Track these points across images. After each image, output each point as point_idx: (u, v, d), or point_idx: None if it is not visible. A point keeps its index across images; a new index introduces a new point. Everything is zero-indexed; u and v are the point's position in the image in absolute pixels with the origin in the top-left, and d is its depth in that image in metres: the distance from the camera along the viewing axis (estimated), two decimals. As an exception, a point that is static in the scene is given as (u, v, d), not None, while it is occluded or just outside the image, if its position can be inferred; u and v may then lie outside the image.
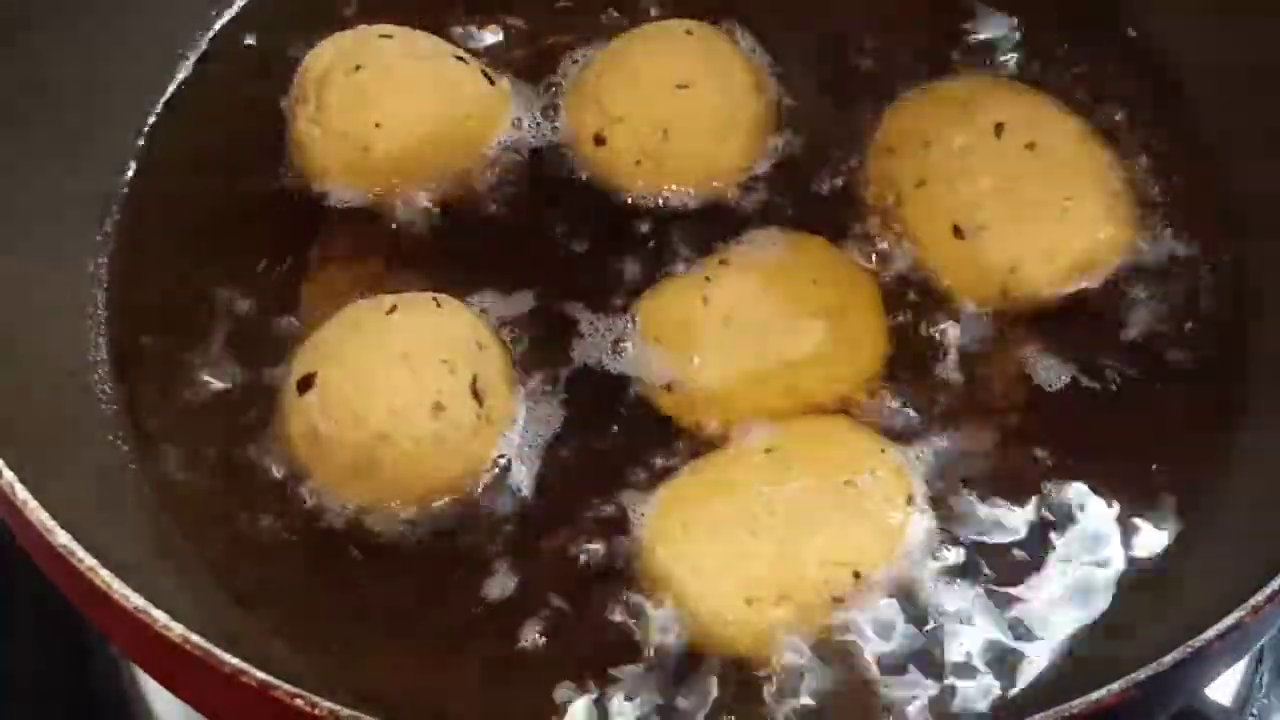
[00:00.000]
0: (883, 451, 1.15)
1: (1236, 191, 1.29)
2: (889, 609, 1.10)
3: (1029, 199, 1.24)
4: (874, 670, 1.08)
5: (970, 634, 1.10)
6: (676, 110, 1.26)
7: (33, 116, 1.23)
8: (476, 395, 1.15)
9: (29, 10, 1.24)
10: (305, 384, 1.14)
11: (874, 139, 1.30)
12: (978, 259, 1.23)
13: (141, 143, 1.33)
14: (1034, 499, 1.16)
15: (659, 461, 1.16)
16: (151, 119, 1.34)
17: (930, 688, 1.08)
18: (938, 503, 1.14)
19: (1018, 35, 1.37)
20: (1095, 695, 0.95)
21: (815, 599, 1.09)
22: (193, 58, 1.37)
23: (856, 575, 1.10)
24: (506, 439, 1.17)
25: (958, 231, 1.24)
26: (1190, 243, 1.26)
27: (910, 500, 1.14)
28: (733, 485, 1.13)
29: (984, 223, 1.24)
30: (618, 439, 1.17)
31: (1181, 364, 1.22)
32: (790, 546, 1.10)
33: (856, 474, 1.13)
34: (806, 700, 1.08)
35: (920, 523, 1.13)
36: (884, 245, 1.25)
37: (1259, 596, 0.98)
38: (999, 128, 1.27)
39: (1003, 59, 1.35)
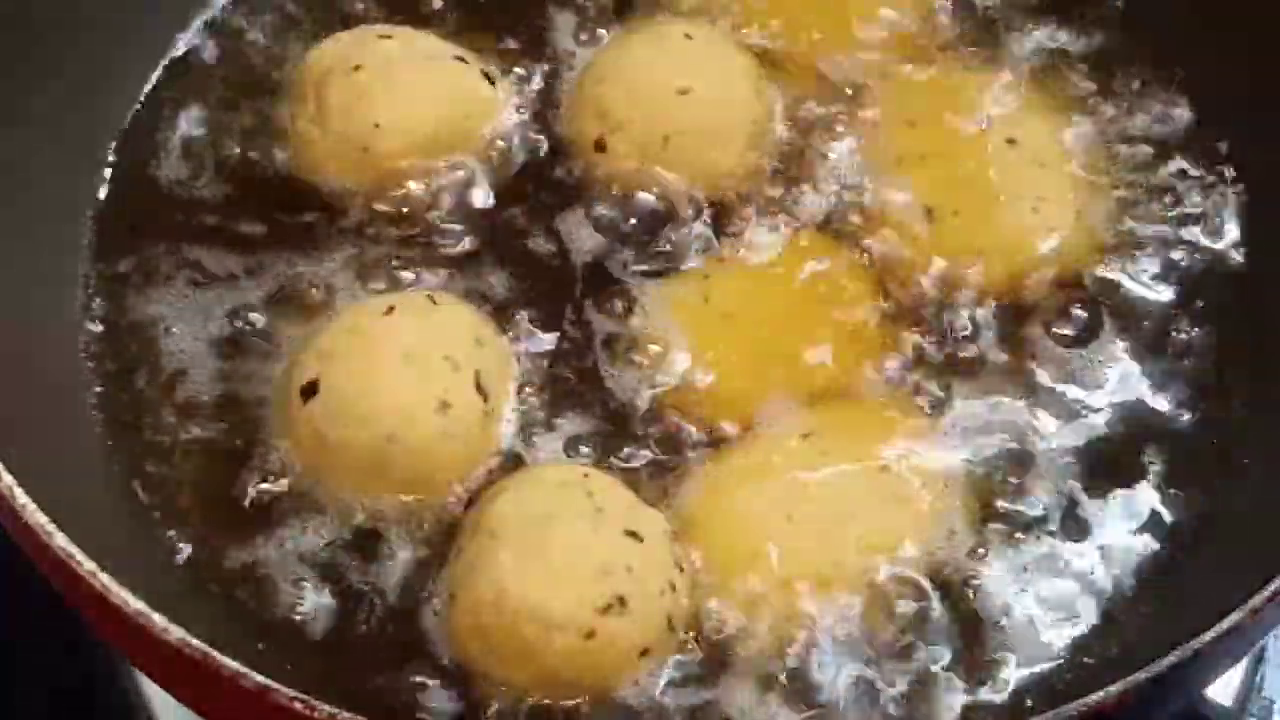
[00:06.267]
0: (917, 438, 1.15)
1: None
2: (925, 594, 1.10)
3: (1002, 193, 1.25)
4: (911, 657, 1.09)
5: (1007, 621, 1.11)
6: (677, 115, 1.26)
7: (31, 115, 1.23)
8: (481, 390, 1.14)
9: (27, 6, 1.24)
10: (309, 391, 1.13)
11: (862, 114, 1.31)
12: (945, 243, 1.24)
13: (138, 143, 1.32)
14: (1034, 496, 1.16)
15: (659, 458, 1.16)
16: (149, 119, 1.33)
17: (962, 682, 1.09)
18: (969, 493, 1.15)
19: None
20: (1095, 696, 0.95)
21: (853, 584, 1.09)
22: (191, 57, 1.36)
23: (894, 561, 1.10)
24: (510, 435, 1.17)
25: (929, 214, 1.24)
26: (1171, 248, 1.27)
27: (945, 486, 1.14)
28: (769, 471, 1.14)
29: (955, 209, 1.24)
30: (619, 436, 1.17)
31: (1178, 364, 1.22)
32: (828, 532, 1.10)
33: (892, 460, 1.14)
34: (842, 685, 1.08)
35: (953, 510, 1.13)
36: (879, 242, 1.25)
37: (1258, 597, 0.98)
38: (986, 120, 1.28)
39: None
